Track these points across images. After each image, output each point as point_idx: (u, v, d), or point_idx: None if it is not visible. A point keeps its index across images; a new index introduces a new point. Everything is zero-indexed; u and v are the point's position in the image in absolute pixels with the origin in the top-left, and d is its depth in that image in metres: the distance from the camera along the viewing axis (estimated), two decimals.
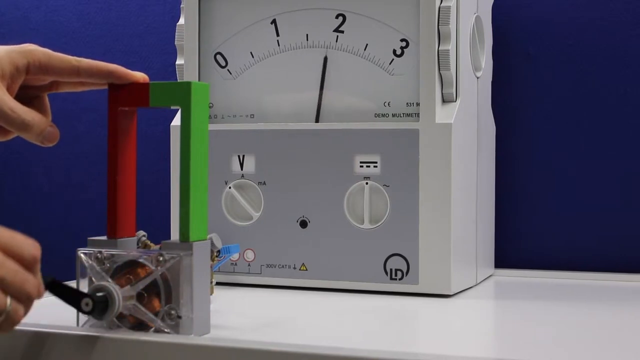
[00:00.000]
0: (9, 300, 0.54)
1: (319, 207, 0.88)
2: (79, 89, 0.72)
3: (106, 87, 0.68)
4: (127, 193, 0.68)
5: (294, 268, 0.89)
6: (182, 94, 0.65)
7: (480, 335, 0.72)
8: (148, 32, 1.21)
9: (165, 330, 0.63)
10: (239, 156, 0.91)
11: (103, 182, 0.68)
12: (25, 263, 0.55)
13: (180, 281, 0.63)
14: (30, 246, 0.56)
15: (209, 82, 0.91)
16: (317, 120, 0.89)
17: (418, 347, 0.68)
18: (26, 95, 0.70)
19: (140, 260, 0.64)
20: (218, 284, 0.88)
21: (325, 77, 0.89)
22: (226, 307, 0.79)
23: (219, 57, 0.93)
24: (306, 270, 0.89)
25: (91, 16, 1.24)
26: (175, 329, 0.63)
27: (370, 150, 0.86)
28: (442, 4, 0.85)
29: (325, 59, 0.89)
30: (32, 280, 0.56)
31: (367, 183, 0.87)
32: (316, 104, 0.89)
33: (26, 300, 0.55)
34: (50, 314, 0.67)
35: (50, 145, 0.70)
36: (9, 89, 0.67)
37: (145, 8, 1.22)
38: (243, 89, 0.92)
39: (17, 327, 0.61)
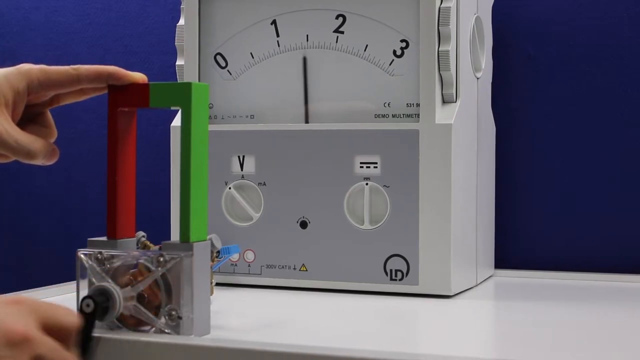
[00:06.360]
0: None
1: (319, 207, 0.88)
2: (80, 98, 0.72)
3: (106, 91, 0.68)
4: (127, 194, 0.68)
5: (294, 269, 0.89)
6: (182, 94, 0.65)
7: (480, 336, 0.72)
8: (148, 32, 1.21)
9: (166, 330, 0.63)
10: (239, 157, 0.91)
11: (103, 183, 0.68)
12: (66, 335, 0.55)
13: (180, 282, 0.63)
14: (71, 316, 0.56)
15: (209, 83, 0.91)
16: (306, 121, 0.89)
17: (418, 348, 0.68)
18: (28, 113, 0.70)
19: (141, 260, 0.64)
20: (218, 284, 0.88)
21: (325, 78, 0.89)
22: (226, 308, 0.79)
23: (219, 57, 0.93)
24: (306, 270, 0.89)
25: (91, 17, 1.24)
26: (176, 329, 0.63)
27: (370, 151, 0.86)
28: (442, 5, 0.85)
29: (305, 59, 0.89)
30: (69, 357, 0.55)
31: (367, 184, 0.87)
32: (304, 105, 0.90)
33: None
34: None
35: (50, 164, 0.71)
36: (13, 114, 0.68)
37: (145, 9, 1.22)
38: (243, 90, 0.92)
39: None
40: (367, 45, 0.88)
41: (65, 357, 0.54)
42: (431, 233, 0.84)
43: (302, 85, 0.90)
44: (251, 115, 0.92)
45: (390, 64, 0.87)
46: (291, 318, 0.76)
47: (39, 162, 0.69)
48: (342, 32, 0.89)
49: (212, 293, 0.72)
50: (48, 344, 0.53)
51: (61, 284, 0.88)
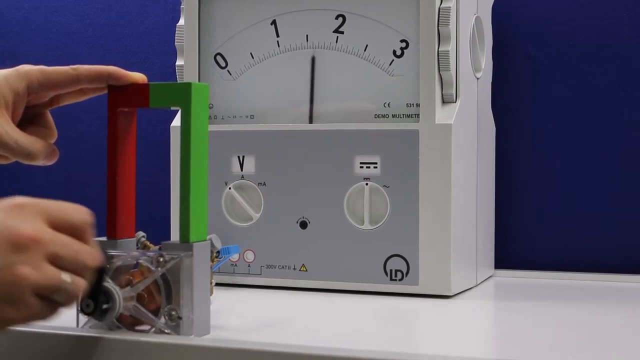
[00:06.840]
0: (65, 276, 0.53)
1: (319, 207, 0.88)
2: (80, 99, 0.72)
3: (106, 91, 0.68)
4: (127, 194, 0.68)
5: (294, 269, 0.89)
6: (182, 94, 0.65)
7: (480, 336, 0.72)
8: (148, 32, 1.21)
9: (166, 331, 0.63)
10: (238, 157, 0.91)
11: (103, 183, 0.68)
12: (78, 232, 0.55)
13: (180, 282, 0.63)
14: (80, 213, 0.55)
15: (208, 83, 0.91)
16: (310, 121, 0.89)
17: (418, 348, 0.68)
18: (28, 114, 0.70)
19: (141, 261, 0.64)
20: (218, 284, 0.88)
21: (325, 78, 0.89)
22: (226, 308, 0.79)
23: (219, 57, 0.93)
24: (306, 271, 0.89)
25: (91, 17, 1.24)
26: (176, 329, 0.63)
27: (370, 151, 0.86)
28: (442, 5, 0.85)
29: (313, 59, 0.89)
30: (86, 250, 0.55)
31: (367, 184, 0.87)
32: (309, 105, 0.90)
33: (84, 271, 0.54)
34: None
35: (50, 164, 0.71)
36: (13, 115, 0.68)
37: (145, 9, 1.22)
38: (243, 90, 0.92)
39: (17, 328, 0.61)
40: (367, 45, 0.88)
41: (80, 249, 0.54)
42: (431, 233, 0.84)
43: (307, 85, 0.90)
44: (251, 115, 0.92)
45: (390, 64, 0.87)
46: (291, 318, 0.76)
47: (39, 162, 0.70)
48: (342, 32, 0.89)
49: (212, 293, 0.71)
50: (61, 240, 0.53)
51: None
